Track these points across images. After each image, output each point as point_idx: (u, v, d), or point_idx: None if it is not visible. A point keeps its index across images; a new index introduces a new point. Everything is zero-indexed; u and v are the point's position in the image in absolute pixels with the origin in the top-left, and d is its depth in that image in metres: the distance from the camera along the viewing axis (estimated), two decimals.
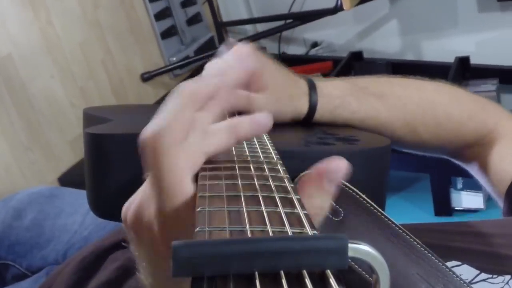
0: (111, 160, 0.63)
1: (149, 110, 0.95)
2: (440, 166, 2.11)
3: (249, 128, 0.47)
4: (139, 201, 0.44)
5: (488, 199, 2.23)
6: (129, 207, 0.46)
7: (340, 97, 0.76)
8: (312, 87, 0.75)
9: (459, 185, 2.26)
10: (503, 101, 2.54)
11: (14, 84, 2.14)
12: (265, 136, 0.58)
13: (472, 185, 2.22)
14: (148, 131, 0.43)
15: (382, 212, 0.54)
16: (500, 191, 0.81)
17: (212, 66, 0.66)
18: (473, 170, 0.88)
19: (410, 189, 2.51)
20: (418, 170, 2.30)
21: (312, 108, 0.75)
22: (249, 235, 0.33)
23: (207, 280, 0.29)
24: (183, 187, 0.41)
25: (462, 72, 2.47)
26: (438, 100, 0.84)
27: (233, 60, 0.66)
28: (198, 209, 0.36)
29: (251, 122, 0.47)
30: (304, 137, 0.71)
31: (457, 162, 0.90)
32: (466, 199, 2.25)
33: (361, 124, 0.78)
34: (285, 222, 0.35)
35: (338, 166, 0.43)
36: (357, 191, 0.54)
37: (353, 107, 0.77)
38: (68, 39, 2.41)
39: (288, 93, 0.73)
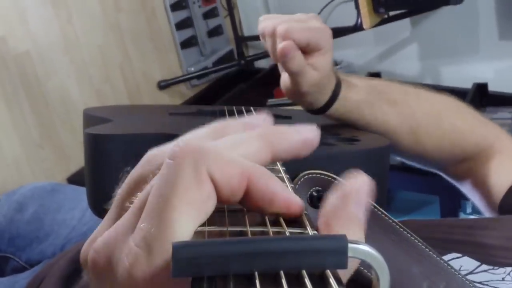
0: (111, 160, 0.63)
1: (149, 111, 0.96)
2: (450, 189, 2.10)
3: (290, 142, 0.37)
4: (113, 234, 0.33)
5: None
6: (93, 240, 0.34)
7: (356, 102, 0.79)
8: (337, 86, 0.78)
9: (469, 209, 2.24)
10: None
11: (30, 80, 2.15)
12: None
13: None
14: (199, 142, 0.33)
15: (383, 211, 0.54)
16: (493, 204, 0.83)
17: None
18: (465, 186, 0.90)
19: (419, 212, 2.50)
20: (428, 192, 2.29)
21: (332, 100, 0.78)
22: (249, 235, 0.33)
23: (207, 280, 0.29)
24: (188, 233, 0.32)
25: (480, 98, 2.46)
26: (444, 111, 0.87)
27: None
28: None
29: (294, 133, 0.38)
30: None
31: (449, 178, 0.92)
32: None
33: (368, 127, 0.80)
34: (285, 222, 0.35)
35: (361, 184, 0.34)
36: None
37: (365, 112, 0.80)
38: (87, 40, 2.43)
39: (324, 86, 0.77)
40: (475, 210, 2.25)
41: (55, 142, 2.23)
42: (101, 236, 0.33)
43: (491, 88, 2.48)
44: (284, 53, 0.71)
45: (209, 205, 0.32)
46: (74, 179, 2.22)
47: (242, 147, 0.35)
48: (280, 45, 0.71)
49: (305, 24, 0.73)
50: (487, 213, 0.86)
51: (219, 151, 0.33)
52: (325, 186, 0.54)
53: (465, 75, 2.68)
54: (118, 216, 0.35)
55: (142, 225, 0.31)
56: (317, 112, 0.79)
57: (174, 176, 0.31)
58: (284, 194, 0.34)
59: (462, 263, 0.58)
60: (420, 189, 2.21)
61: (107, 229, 0.34)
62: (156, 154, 0.36)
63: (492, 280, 0.57)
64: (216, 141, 0.35)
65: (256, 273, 0.29)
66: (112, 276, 0.32)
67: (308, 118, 0.84)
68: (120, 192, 0.37)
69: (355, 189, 0.34)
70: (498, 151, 0.86)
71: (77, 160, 2.30)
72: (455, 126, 0.86)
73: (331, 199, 0.34)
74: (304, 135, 0.38)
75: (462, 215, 2.25)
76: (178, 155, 0.32)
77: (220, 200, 0.32)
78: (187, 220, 0.31)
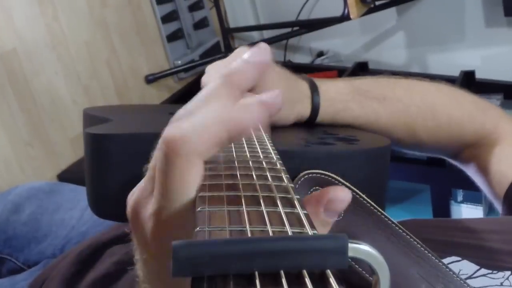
0: (111, 160, 0.63)
1: (149, 110, 0.96)
2: (440, 177, 2.11)
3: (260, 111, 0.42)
4: (137, 196, 0.43)
5: (488, 212, 2.23)
6: (130, 197, 0.45)
7: (343, 102, 0.77)
8: (314, 90, 0.75)
9: (460, 198, 2.25)
10: None
11: (17, 78, 2.14)
12: (265, 136, 0.58)
13: (473, 198, 2.21)
14: (176, 130, 0.39)
15: (382, 212, 0.54)
16: (498, 193, 0.81)
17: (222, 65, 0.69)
18: (470, 171, 0.88)
19: (410, 201, 2.51)
20: (418, 181, 2.30)
21: (315, 111, 0.76)
22: (249, 235, 0.33)
23: (207, 280, 0.29)
24: (189, 195, 0.39)
25: (467, 86, 2.46)
26: (439, 102, 0.84)
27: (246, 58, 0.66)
28: (198, 209, 0.36)
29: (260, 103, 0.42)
30: (304, 137, 0.72)
31: (454, 162, 0.91)
32: (466, 212, 2.25)
33: (361, 127, 0.79)
34: (285, 222, 0.35)
35: (338, 196, 0.39)
36: (357, 191, 0.54)
37: (355, 112, 0.78)
38: (74, 36, 2.41)
39: (290, 98, 0.73)
40: (466, 199, 2.26)
41: (44, 140, 2.22)
42: (134, 194, 0.44)
43: (479, 75, 2.49)
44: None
45: (200, 176, 0.39)
46: (64, 177, 2.21)
47: (214, 98, 0.45)
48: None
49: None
50: (492, 199, 0.85)
51: (196, 128, 0.39)
52: (325, 186, 0.54)
53: (452, 63, 2.69)
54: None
55: (155, 196, 0.40)
56: (309, 121, 0.76)
57: (170, 169, 0.38)
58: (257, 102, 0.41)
59: (461, 267, 0.58)
60: (411, 178, 2.22)
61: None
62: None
63: (491, 285, 0.56)
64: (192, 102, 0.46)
65: (256, 273, 0.29)
66: (142, 229, 0.42)
67: None
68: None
69: (330, 200, 0.39)
70: (499, 138, 0.85)
71: (66, 157, 2.29)
72: (451, 117, 0.84)
73: (307, 197, 0.40)
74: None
75: (453, 204, 2.26)
76: (168, 151, 0.38)
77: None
78: (185, 192, 0.39)
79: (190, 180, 0.39)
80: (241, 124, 0.40)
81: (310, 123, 0.77)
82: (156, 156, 0.41)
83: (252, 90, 0.67)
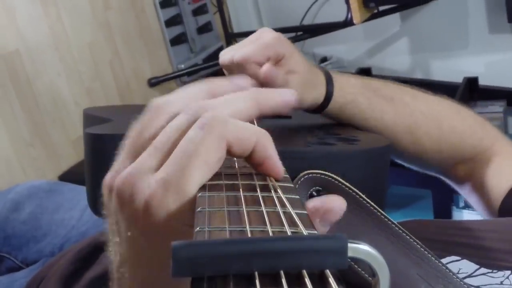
0: (111, 160, 0.63)
1: None
2: (442, 183, 2.11)
3: (274, 102, 0.45)
4: (133, 169, 0.41)
5: None
6: (118, 173, 0.42)
7: (352, 94, 0.79)
8: (329, 80, 0.77)
9: (461, 203, 2.25)
10: (510, 123, 2.53)
11: (20, 79, 2.14)
12: None
13: None
14: (216, 114, 0.40)
15: (382, 212, 0.54)
16: (493, 207, 0.82)
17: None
18: (465, 189, 0.90)
19: (411, 207, 2.51)
20: (420, 186, 2.30)
21: (327, 99, 0.78)
22: (249, 235, 0.33)
23: (207, 280, 0.29)
24: (202, 181, 0.39)
25: (470, 92, 2.47)
26: (443, 113, 0.86)
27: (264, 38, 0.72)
28: (198, 209, 0.36)
29: (276, 95, 0.46)
30: (304, 136, 0.72)
31: (449, 181, 0.92)
32: (467, 218, 2.24)
33: (366, 123, 0.80)
34: (285, 222, 0.35)
35: (335, 207, 0.42)
36: (357, 191, 0.54)
37: (362, 106, 0.80)
38: (77, 38, 2.42)
39: (311, 81, 0.76)
40: (468, 205, 2.26)
41: (45, 140, 2.23)
42: (126, 168, 0.42)
43: (482, 82, 2.49)
44: (269, 77, 0.70)
45: (218, 166, 0.40)
46: (65, 178, 2.22)
47: (235, 106, 0.43)
48: (262, 72, 0.70)
49: (258, 42, 0.72)
50: (486, 217, 0.86)
51: (236, 121, 0.40)
52: (325, 186, 0.54)
53: (455, 69, 2.69)
54: (135, 152, 0.44)
55: (165, 169, 0.39)
56: (320, 108, 0.79)
57: (201, 142, 0.38)
58: (274, 160, 0.41)
59: (461, 266, 0.58)
60: (413, 184, 2.22)
61: (127, 163, 0.43)
62: (161, 105, 0.46)
63: (490, 284, 0.56)
64: (212, 100, 0.44)
65: (256, 273, 0.29)
66: (133, 201, 0.40)
67: (308, 117, 0.84)
68: (132, 135, 0.46)
69: (327, 211, 0.41)
70: (496, 154, 0.86)
71: (68, 158, 2.29)
72: (454, 128, 0.86)
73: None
74: (284, 97, 0.46)
75: (454, 209, 2.26)
76: (206, 127, 0.39)
77: (232, 156, 0.40)
78: (199, 175, 0.38)
79: (214, 164, 0.39)
80: (271, 102, 0.44)
81: (317, 112, 0.79)
82: (180, 132, 0.41)
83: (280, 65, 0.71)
